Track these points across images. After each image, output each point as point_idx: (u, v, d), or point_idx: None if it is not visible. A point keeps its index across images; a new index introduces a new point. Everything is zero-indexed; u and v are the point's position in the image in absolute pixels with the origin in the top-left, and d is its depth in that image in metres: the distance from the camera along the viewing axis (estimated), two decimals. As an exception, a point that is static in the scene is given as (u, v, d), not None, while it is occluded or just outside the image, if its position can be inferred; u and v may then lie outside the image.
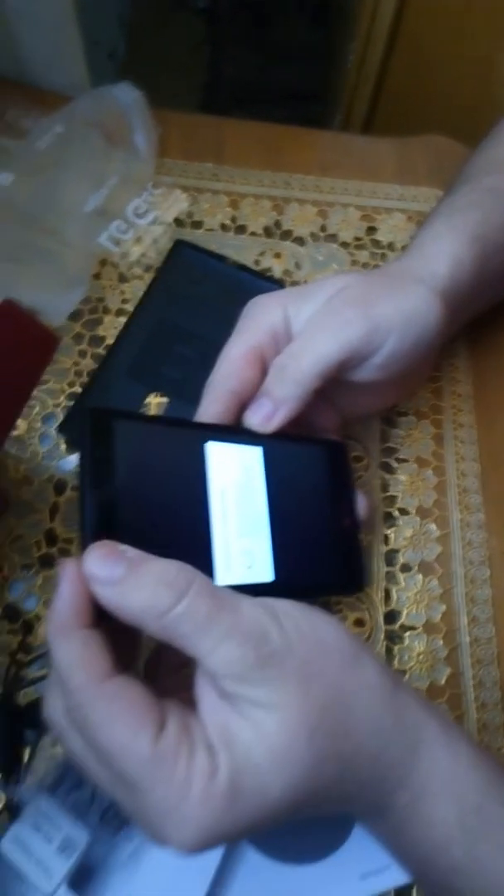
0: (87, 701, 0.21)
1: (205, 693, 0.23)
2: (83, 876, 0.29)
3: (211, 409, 0.31)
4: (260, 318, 0.33)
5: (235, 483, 0.29)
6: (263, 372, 0.32)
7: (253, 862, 0.30)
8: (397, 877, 0.29)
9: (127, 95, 0.47)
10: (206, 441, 0.29)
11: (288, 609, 0.24)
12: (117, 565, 0.22)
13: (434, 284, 0.34)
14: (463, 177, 0.40)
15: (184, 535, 0.27)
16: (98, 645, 0.22)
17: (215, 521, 0.28)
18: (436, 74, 0.76)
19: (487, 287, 0.38)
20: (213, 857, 0.29)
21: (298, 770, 0.22)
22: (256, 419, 0.31)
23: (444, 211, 0.38)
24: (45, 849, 0.29)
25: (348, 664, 0.24)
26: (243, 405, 0.32)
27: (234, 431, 0.31)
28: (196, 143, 0.51)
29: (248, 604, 0.23)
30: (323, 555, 0.31)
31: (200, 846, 0.21)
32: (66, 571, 0.23)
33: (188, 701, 0.23)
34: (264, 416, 0.31)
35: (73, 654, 0.22)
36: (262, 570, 0.28)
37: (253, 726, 0.22)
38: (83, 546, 0.23)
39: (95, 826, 0.29)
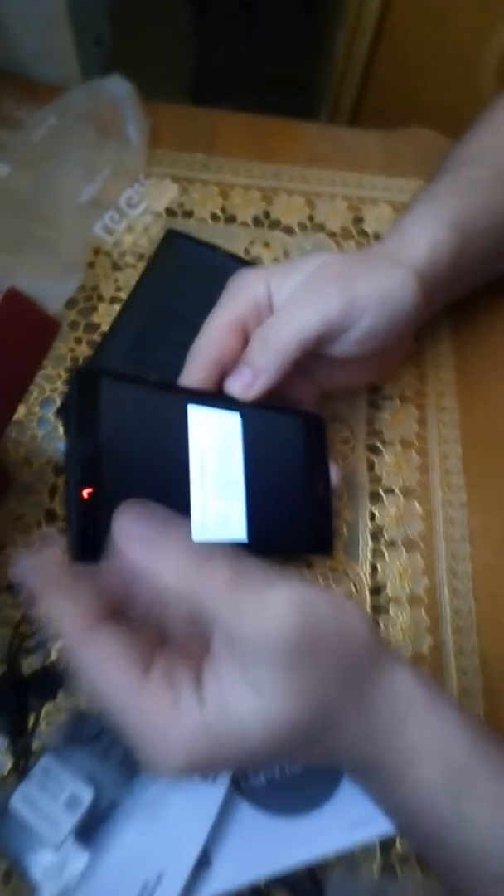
0: (77, 648, 0.23)
1: (220, 647, 0.24)
2: (88, 829, 0.31)
3: (194, 374, 0.33)
4: (244, 291, 0.35)
5: (214, 446, 0.31)
6: (245, 342, 0.34)
7: (248, 815, 0.32)
8: (382, 827, 0.31)
9: (119, 88, 0.48)
10: (188, 404, 0.31)
11: (314, 596, 0.24)
12: (152, 526, 0.24)
13: (412, 266, 0.35)
14: (443, 167, 0.42)
15: (163, 491, 0.28)
16: (85, 596, 0.24)
17: (194, 480, 0.29)
18: (422, 66, 0.77)
19: (464, 272, 0.39)
20: (210, 810, 0.31)
21: (282, 732, 0.23)
22: (237, 386, 0.33)
23: (425, 198, 0.39)
24: (51, 805, 0.31)
25: (361, 646, 0.25)
26: (224, 373, 0.33)
27: (215, 397, 0.33)
28: (187, 135, 0.52)
29: (273, 586, 0.23)
30: (295, 518, 0.33)
31: (182, 775, 0.23)
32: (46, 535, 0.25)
33: (186, 650, 0.25)
34: (245, 384, 0.33)
35: (62, 606, 0.23)
36: (237, 531, 0.30)
37: (255, 696, 0.23)
38: (67, 499, 0.25)
39: (109, 777, 0.31)
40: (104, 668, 0.23)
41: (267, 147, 0.53)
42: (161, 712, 0.22)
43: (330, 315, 0.33)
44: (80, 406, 0.26)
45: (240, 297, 0.34)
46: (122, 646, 0.23)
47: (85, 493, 0.25)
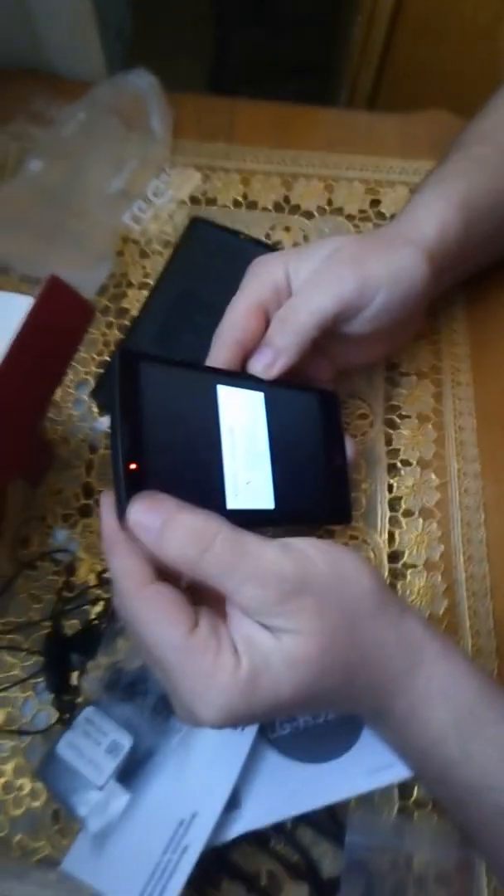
0: (131, 603, 0.25)
1: (234, 611, 0.27)
2: (128, 772, 0.33)
3: (219, 356, 0.35)
4: (263, 275, 0.36)
5: (241, 423, 0.33)
6: (266, 324, 0.36)
7: (274, 762, 0.34)
8: (399, 773, 0.33)
9: (142, 81, 0.50)
10: (217, 384, 0.33)
11: (308, 549, 0.27)
12: (156, 516, 0.26)
13: (423, 245, 0.37)
14: (454, 147, 0.43)
15: (200, 465, 0.30)
16: (140, 557, 0.26)
17: (226, 454, 0.32)
18: (439, 47, 0.77)
19: (473, 250, 0.41)
20: (240, 757, 0.33)
21: (308, 678, 0.26)
22: (260, 366, 0.35)
23: (435, 179, 0.41)
24: (94, 751, 0.34)
25: (362, 594, 0.27)
26: (247, 354, 0.35)
27: (240, 377, 0.35)
28: (208, 124, 0.54)
29: (272, 548, 0.26)
30: (316, 489, 0.35)
31: (220, 725, 0.25)
32: (105, 503, 0.27)
33: (222, 611, 0.28)
34: (266, 364, 0.35)
35: (119, 565, 0.26)
36: (265, 499, 0.33)
37: (273, 640, 0.26)
38: (115, 475, 0.27)
39: (145, 725, 0.34)
40: (158, 621, 0.25)
41: (286, 134, 0.54)
42: (207, 662, 0.25)
43: (344, 295, 0.35)
44: (122, 385, 0.29)
45: (259, 281, 0.36)
46: (172, 602, 0.26)
47: (131, 466, 0.27)
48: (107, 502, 0.27)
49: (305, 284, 0.36)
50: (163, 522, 0.26)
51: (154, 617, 0.25)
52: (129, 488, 0.27)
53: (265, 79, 1.27)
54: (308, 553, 0.27)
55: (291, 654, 0.26)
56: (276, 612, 0.26)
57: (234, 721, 0.25)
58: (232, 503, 0.31)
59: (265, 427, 0.34)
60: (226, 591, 0.26)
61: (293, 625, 0.26)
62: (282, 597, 0.26)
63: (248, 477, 0.32)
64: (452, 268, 0.40)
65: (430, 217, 0.38)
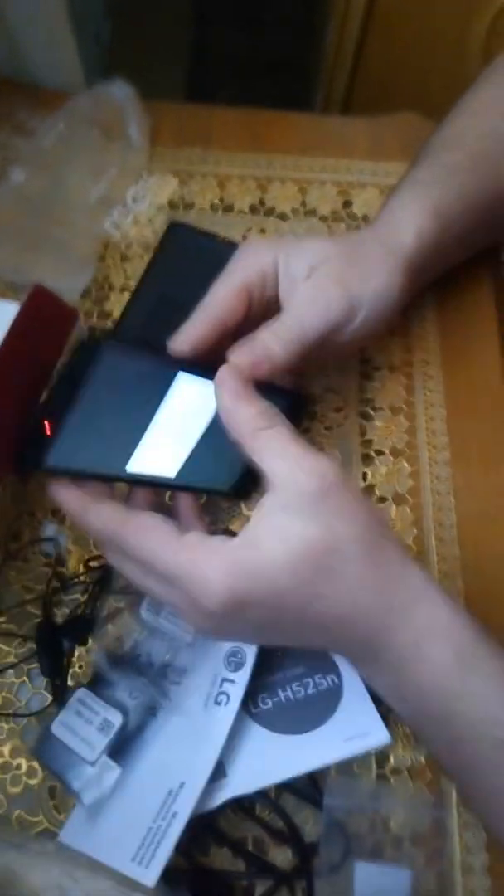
0: (119, 529, 0.29)
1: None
2: (119, 748, 0.35)
3: (196, 329, 0.36)
4: (252, 260, 0.38)
5: (188, 408, 0.34)
6: (248, 308, 0.37)
7: (257, 734, 0.36)
8: (375, 740, 0.36)
9: (120, 91, 0.52)
10: (180, 371, 0.35)
11: (339, 480, 0.29)
12: (238, 382, 0.31)
13: (401, 254, 0.39)
14: (426, 149, 0.45)
15: (119, 433, 0.34)
16: (111, 501, 0.31)
17: (151, 428, 0.34)
18: (410, 51, 0.80)
19: (447, 253, 0.43)
20: (224, 729, 0.35)
21: (308, 572, 0.27)
22: (245, 357, 0.35)
23: (410, 183, 0.43)
24: (86, 729, 0.36)
25: (378, 522, 0.29)
26: (226, 332, 0.36)
27: (209, 370, 0.34)
28: (185, 131, 0.56)
29: (313, 456, 0.29)
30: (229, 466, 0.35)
31: (228, 613, 0.27)
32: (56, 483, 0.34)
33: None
34: (255, 362, 0.35)
35: (94, 509, 0.31)
36: (168, 470, 0.34)
37: (279, 529, 0.28)
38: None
39: (130, 705, 0.36)
40: (146, 537, 0.29)
41: (260, 139, 0.56)
42: (199, 556, 0.28)
43: (332, 317, 0.37)
44: (73, 357, 0.33)
45: (248, 265, 0.38)
46: (158, 520, 0.29)
47: (46, 424, 0.32)
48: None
49: (297, 300, 0.37)
50: (243, 387, 0.31)
51: (147, 538, 0.28)
52: (33, 443, 0.33)
53: (243, 78, 1.29)
54: (340, 483, 0.29)
55: (293, 548, 0.27)
56: (304, 508, 0.28)
57: (240, 607, 0.27)
58: (132, 467, 0.33)
59: (211, 417, 0.34)
60: (271, 467, 0.29)
61: (309, 526, 0.28)
62: (313, 495, 0.28)
63: (164, 451, 0.34)
64: (429, 269, 0.42)
65: (407, 222, 0.40)
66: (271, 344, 0.36)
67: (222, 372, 0.32)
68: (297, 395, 0.39)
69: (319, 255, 0.38)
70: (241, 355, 0.35)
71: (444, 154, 0.44)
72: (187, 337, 0.36)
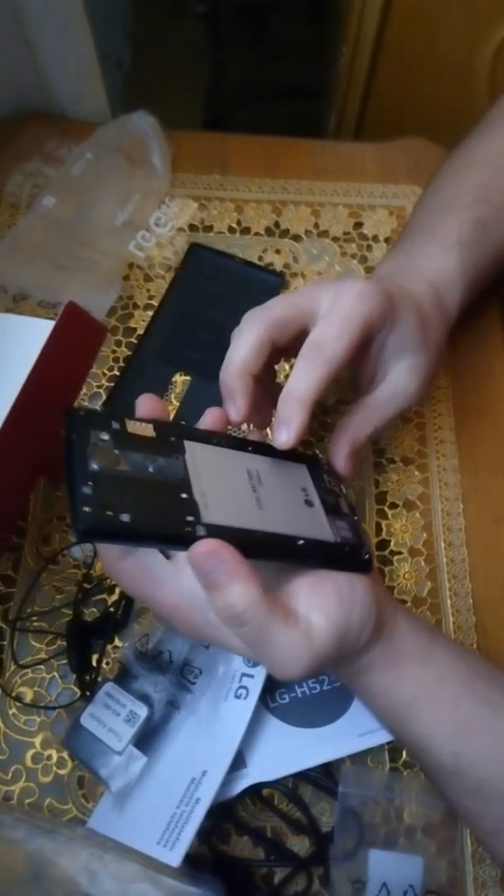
0: (262, 621, 0.28)
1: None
2: (144, 738, 0.38)
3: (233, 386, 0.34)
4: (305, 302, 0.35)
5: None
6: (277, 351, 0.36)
7: (275, 727, 0.38)
8: (386, 735, 0.37)
9: (144, 121, 0.55)
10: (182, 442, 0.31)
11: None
12: (219, 573, 0.27)
13: (449, 320, 0.41)
14: (455, 198, 0.45)
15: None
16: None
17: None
18: (420, 76, 0.82)
19: (472, 295, 0.44)
20: (242, 723, 0.37)
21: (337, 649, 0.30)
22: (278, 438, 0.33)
23: (449, 242, 0.42)
24: (114, 720, 0.38)
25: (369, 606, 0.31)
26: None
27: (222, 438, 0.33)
28: (204, 158, 0.59)
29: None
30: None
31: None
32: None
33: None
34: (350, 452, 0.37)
35: (239, 597, 0.27)
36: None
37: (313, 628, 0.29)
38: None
39: (155, 698, 0.38)
40: (274, 632, 0.28)
41: (275, 164, 0.59)
42: (293, 637, 0.28)
43: (371, 316, 0.35)
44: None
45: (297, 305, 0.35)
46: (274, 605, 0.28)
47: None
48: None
49: (391, 387, 0.39)
50: (224, 578, 0.27)
51: (278, 632, 0.28)
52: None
53: (259, 103, 1.33)
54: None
55: (324, 635, 0.29)
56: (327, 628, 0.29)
57: (313, 671, 0.29)
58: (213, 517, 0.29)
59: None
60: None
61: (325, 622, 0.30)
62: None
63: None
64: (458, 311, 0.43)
65: (454, 290, 0.41)
66: (365, 430, 0.38)
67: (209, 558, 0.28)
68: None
69: (409, 337, 0.38)
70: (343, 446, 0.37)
71: (476, 208, 0.44)
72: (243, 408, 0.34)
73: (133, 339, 0.51)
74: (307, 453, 0.40)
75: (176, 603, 0.30)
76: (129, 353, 0.50)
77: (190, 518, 0.28)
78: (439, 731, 0.32)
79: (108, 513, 0.26)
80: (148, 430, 0.30)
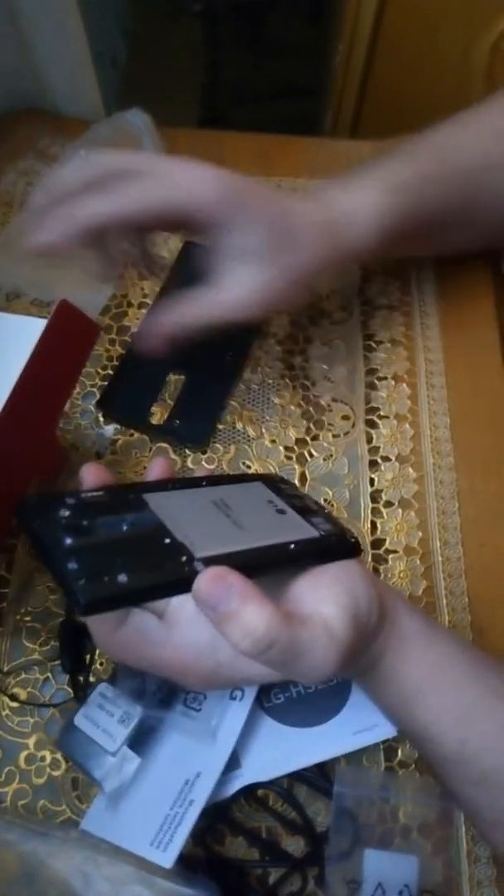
0: (285, 638, 0.27)
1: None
2: (138, 739, 0.37)
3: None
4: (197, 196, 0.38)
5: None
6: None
7: (270, 727, 0.38)
8: (382, 732, 0.37)
9: (138, 119, 0.55)
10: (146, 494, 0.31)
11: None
12: (231, 598, 0.26)
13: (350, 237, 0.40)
14: (408, 146, 0.45)
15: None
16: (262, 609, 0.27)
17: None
18: (415, 73, 0.82)
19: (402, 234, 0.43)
20: (239, 723, 0.37)
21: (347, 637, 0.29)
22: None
23: (379, 184, 0.42)
24: (108, 721, 0.38)
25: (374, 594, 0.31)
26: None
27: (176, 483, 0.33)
28: (199, 156, 0.58)
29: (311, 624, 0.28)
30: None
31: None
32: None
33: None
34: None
35: (253, 623, 0.26)
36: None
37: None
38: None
39: (149, 702, 0.38)
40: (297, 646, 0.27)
41: (271, 162, 0.59)
42: (317, 636, 0.28)
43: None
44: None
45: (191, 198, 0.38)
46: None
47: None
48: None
49: (229, 284, 0.40)
50: (238, 605, 0.26)
51: (305, 653, 0.27)
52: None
53: (256, 100, 1.32)
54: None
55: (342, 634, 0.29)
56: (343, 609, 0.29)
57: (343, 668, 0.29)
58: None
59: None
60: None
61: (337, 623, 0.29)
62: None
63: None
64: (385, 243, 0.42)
65: (365, 214, 0.41)
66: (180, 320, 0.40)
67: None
68: (268, 476, 0.38)
69: (257, 238, 0.38)
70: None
71: (424, 162, 0.44)
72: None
73: (127, 338, 0.51)
74: (256, 473, 0.41)
75: (182, 658, 0.30)
76: (123, 352, 0.50)
77: (184, 558, 0.27)
78: (445, 718, 0.31)
79: (105, 579, 0.25)
80: (103, 497, 0.30)
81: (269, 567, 0.30)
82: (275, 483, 0.37)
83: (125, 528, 0.28)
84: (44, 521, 0.27)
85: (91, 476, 0.32)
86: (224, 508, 0.32)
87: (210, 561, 0.27)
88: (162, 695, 0.39)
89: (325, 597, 0.29)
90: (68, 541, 0.26)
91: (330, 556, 0.32)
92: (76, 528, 0.27)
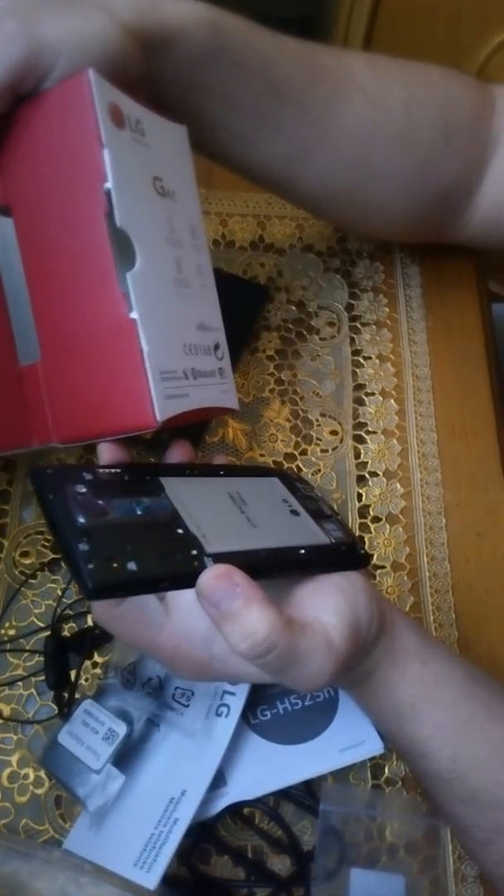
0: (283, 643, 0.26)
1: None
2: (123, 757, 0.37)
3: None
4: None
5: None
6: None
7: (256, 744, 0.38)
8: (369, 749, 0.37)
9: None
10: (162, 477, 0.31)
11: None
12: (234, 598, 0.26)
13: (115, 14, 0.31)
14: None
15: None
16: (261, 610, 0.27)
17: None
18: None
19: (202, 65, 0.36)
20: (223, 741, 0.37)
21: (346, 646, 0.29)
22: None
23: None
24: (92, 738, 0.37)
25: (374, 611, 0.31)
26: None
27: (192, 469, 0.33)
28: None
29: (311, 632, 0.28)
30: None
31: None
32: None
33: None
34: None
35: (249, 625, 0.26)
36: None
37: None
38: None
39: (138, 694, 0.38)
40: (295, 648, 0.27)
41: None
42: (316, 645, 0.28)
43: (13, 64, 0.29)
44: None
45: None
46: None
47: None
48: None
49: None
50: (241, 605, 0.26)
51: (304, 661, 0.27)
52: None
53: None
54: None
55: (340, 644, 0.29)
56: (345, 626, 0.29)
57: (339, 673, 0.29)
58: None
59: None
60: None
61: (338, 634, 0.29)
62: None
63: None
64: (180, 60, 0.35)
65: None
66: None
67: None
68: (276, 471, 0.38)
69: None
70: None
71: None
72: None
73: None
74: (273, 467, 0.40)
75: (177, 643, 0.30)
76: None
77: (194, 552, 0.27)
78: (438, 734, 0.31)
79: (114, 565, 0.25)
80: (120, 476, 0.30)
81: (276, 570, 0.30)
82: (291, 481, 0.37)
83: (139, 512, 0.28)
84: (58, 495, 0.27)
85: (108, 453, 0.32)
86: (239, 502, 0.32)
87: (220, 557, 0.27)
88: (150, 688, 0.39)
89: (327, 606, 0.29)
90: (81, 520, 0.26)
91: (338, 565, 0.32)
92: (90, 507, 0.27)
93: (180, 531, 0.28)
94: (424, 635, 0.33)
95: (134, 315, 0.30)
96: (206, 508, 0.30)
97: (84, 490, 0.27)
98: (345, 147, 0.42)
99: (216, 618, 0.26)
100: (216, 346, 0.36)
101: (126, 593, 0.27)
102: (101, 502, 0.27)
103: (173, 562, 0.27)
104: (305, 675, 0.28)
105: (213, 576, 0.26)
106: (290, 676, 0.28)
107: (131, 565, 0.25)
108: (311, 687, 0.28)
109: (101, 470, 0.30)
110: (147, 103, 0.34)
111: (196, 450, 0.46)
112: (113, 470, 0.30)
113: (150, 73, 0.34)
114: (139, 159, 0.32)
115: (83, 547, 0.25)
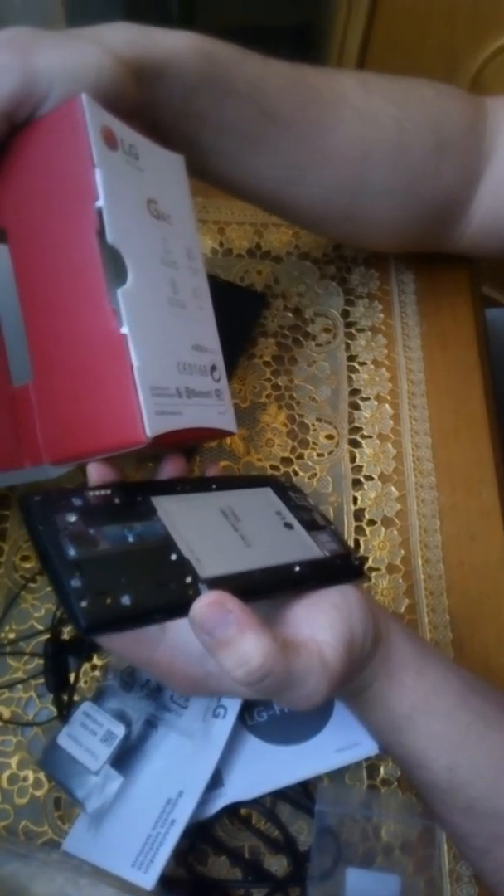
0: (279, 667, 0.26)
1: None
2: (121, 758, 0.37)
3: None
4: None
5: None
6: None
7: (253, 745, 0.38)
8: (365, 750, 0.37)
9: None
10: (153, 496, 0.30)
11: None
12: (228, 625, 0.26)
13: (109, 47, 0.32)
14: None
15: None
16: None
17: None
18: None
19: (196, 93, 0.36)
20: (220, 742, 0.37)
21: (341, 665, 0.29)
22: None
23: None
24: (90, 740, 0.38)
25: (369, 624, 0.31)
26: None
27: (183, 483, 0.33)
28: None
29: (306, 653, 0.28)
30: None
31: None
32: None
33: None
34: None
35: (247, 651, 0.26)
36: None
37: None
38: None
39: (137, 694, 0.38)
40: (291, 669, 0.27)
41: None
42: (311, 666, 0.28)
43: (8, 94, 0.29)
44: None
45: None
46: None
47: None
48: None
49: None
50: (235, 632, 0.26)
51: (298, 682, 0.27)
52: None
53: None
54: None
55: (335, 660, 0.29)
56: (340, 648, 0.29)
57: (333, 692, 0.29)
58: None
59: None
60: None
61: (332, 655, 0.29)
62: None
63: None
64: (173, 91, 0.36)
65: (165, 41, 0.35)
66: None
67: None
68: (270, 479, 0.38)
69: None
70: None
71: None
72: None
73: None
74: (265, 476, 0.41)
75: (172, 660, 0.30)
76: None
77: (188, 579, 0.27)
78: (434, 745, 0.32)
79: (107, 601, 0.25)
80: (110, 499, 0.29)
81: (271, 590, 0.30)
82: (284, 490, 0.37)
83: (132, 539, 0.28)
84: (48, 526, 0.26)
85: (96, 473, 0.31)
86: (232, 519, 0.32)
87: (214, 582, 0.27)
88: (149, 690, 0.39)
89: (321, 623, 0.29)
90: (72, 553, 0.25)
91: (333, 579, 0.31)
92: (81, 537, 0.26)
93: (174, 557, 0.28)
94: (420, 644, 0.34)
95: (124, 330, 0.30)
96: (199, 529, 0.30)
97: (74, 518, 0.27)
98: (339, 166, 0.43)
99: (210, 645, 0.26)
100: (213, 368, 0.36)
101: (120, 629, 0.27)
102: (92, 531, 0.27)
103: (167, 591, 0.26)
104: (300, 697, 0.28)
105: (205, 603, 0.26)
106: (286, 698, 0.28)
107: (125, 599, 0.25)
108: (305, 707, 0.28)
109: (91, 493, 0.29)
110: (143, 131, 0.34)
111: (193, 454, 0.47)
112: (103, 492, 0.29)
113: (145, 102, 0.35)
114: (132, 181, 0.33)
115: (75, 583, 0.24)
